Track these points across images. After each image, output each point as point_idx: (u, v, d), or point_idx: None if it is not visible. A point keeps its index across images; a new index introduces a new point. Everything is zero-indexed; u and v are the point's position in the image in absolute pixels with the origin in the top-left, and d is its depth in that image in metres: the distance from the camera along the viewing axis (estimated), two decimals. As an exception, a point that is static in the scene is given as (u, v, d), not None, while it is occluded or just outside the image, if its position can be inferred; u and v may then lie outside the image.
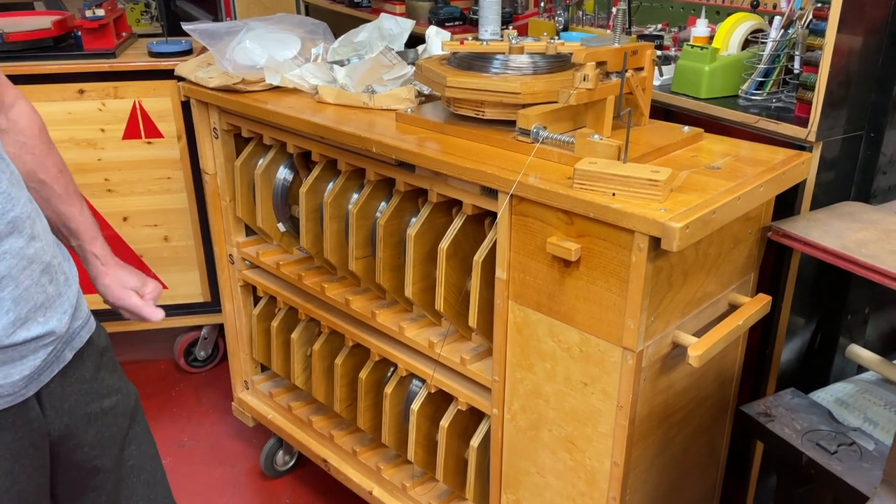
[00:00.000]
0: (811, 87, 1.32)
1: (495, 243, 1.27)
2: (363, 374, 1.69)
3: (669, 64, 1.63)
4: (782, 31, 1.47)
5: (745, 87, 1.52)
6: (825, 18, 1.28)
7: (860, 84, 1.35)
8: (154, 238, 2.36)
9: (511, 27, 2.08)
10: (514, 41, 1.34)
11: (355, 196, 1.57)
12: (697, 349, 1.15)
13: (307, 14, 3.24)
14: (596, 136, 1.20)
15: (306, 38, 1.79)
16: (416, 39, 1.79)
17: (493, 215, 1.26)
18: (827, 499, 1.22)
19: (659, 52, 1.65)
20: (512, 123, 1.30)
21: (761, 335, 1.49)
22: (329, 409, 1.87)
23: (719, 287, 1.31)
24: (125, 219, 2.32)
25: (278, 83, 1.67)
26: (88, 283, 1.18)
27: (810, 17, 1.42)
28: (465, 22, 2.51)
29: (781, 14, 1.48)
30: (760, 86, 1.50)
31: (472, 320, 1.37)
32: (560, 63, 1.36)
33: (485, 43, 1.37)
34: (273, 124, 1.62)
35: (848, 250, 1.22)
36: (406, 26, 1.75)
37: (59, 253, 1.03)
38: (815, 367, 1.55)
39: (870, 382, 1.35)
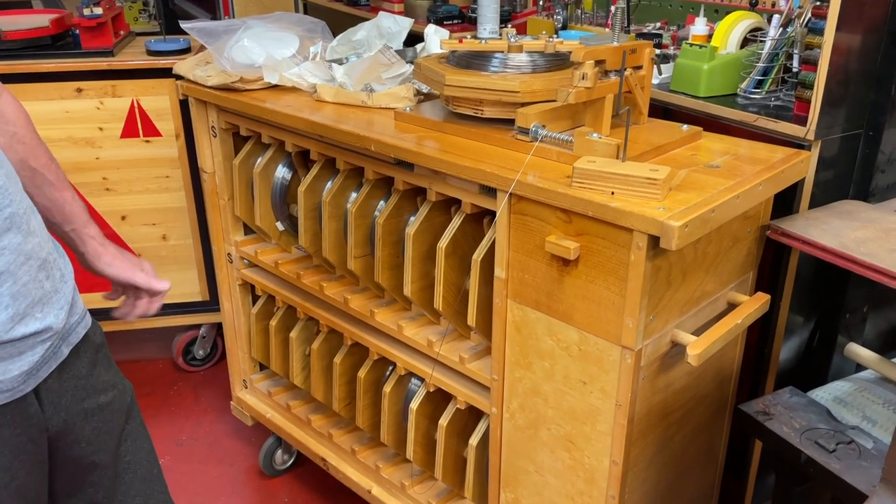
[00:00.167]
0: (810, 86, 1.32)
1: (494, 242, 1.27)
2: (362, 373, 1.69)
3: (668, 62, 1.63)
4: (781, 29, 1.47)
5: (743, 85, 1.52)
6: (824, 17, 1.28)
7: (859, 83, 1.35)
8: (152, 237, 2.35)
9: (510, 25, 2.07)
10: (512, 40, 1.34)
11: (354, 195, 1.57)
12: (696, 348, 1.15)
13: (305, 12, 3.23)
14: (595, 135, 1.20)
15: (305, 37, 1.79)
16: (414, 38, 1.79)
17: (492, 214, 1.26)
18: (825, 497, 1.22)
19: (658, 51, 1.65)
20: (511, 122, 1.30)
21: (760, 334, 1.49)
22: (328, 408, 1.87)
23: (718, 286, 1.31)
24: (123, 217, 2.31)
25: (277, 82, 1.67)
26: (84, 281, 1.18)
27: (809, 15, 1.42)
28: (464, 20, 2.51)
29: (780, 12, 1.48)
30: (759, 84, 1.50)
31: (471, 319, 1.37)
32: (559, 61, 1.36)
33: (483, 41, 1.36)
34: (271, 123, 1.62)
35: (847, 249, 1.22)
36: (405, 25, 1.75)
37: (55, 249, 1.03)
38: (814, 366, 1.55)
39: (868, 381, 1.35)
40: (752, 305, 1.31)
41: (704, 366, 1.31)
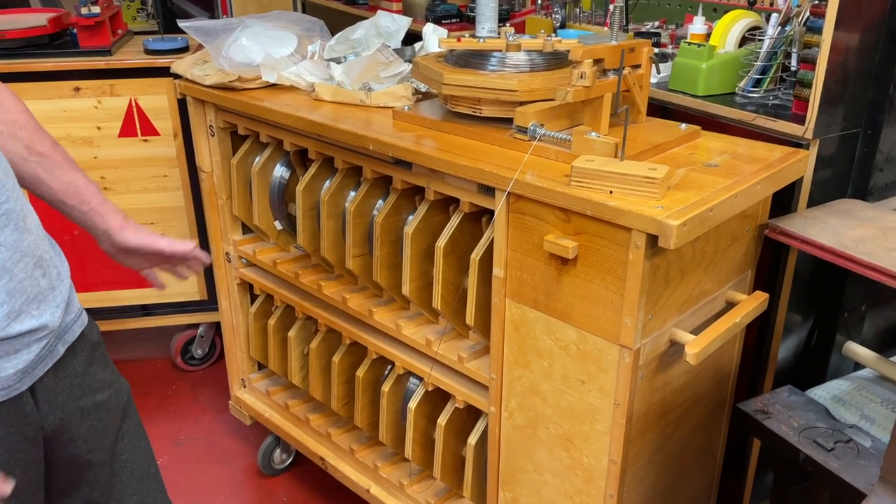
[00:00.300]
0: (808, 85, 1.32)
1: (492, 241, 1.27)
2: (360, 373, 1.68)
3: (667, 61, 1.63)
4: (779, 28, 1.47)
5: (742, 84, 1.52)
6: (822, 15, 1.28)
7: (857, 81, 1.35)
8: (150, 236, 2.35)
9: (508, 24, 2.07)
10: (511, 38, 1.34)
11: (352, 194, 1.57)
12: (695, 347, 1.15)
13: (304, 11, 3.23)
14: (593, 134, 1.20)
15: (303, 36, 1.79)
16: (412, 37, 1.79)
17: (491, 213, 1.26)
18: (824, 496, 1.22)
19: (656, 50, 1.65)
20: (509, 121, 1.29)
21: (758, 332, 1.49)
22: (326, 407, 1.86)
23: (716, 284, 1.31)
24: (121, 217, 2.31)
25: (275, 81, 1.67)
26: (83, 280, 1.18)
27: (807, 14, 1.42)
28: (462, 19, 2.50)
29: (779, 11, 1.48)
30: (757, 83, 1.50)
31: (470, 318, 1.37)
32: (557, 60, 1.36)
33: (482, 40, 1.36)
34: (269, 122, 1.62)
35: (845, 248, 1.22)
36: (403, 23, 1.75)
37: (51, 247, 1.03)
38: (812, 365, 1.55)
39: (866, 380, 1.35)
40: (751, 304, 1.31)
41: (703, 364, 1.31)
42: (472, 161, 1.24)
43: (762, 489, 1.62)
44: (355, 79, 1.58)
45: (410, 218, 1.45)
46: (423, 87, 1.58)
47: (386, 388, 1.63)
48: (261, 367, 2.12)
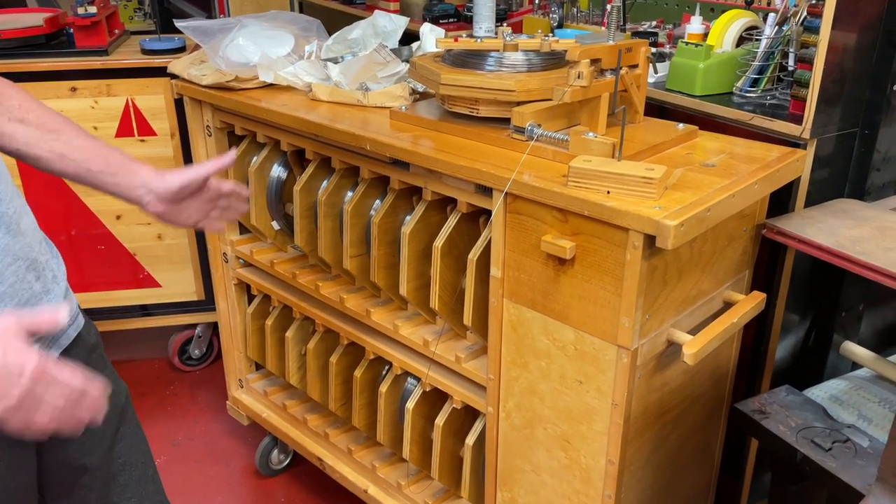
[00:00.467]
0: (805, 85, 1.32)
1: (490, 241, 1.27)
2: (358, 373, 1.68)
3: (664, 61, 1.63)
4: (777, 28, 1.47)
5: (739, 84, 1.52)
6: (819, 15, 1.28)
7: (854, 81, 1.35)
8: (148, 236, 2.35)
9: (505, 24, 2.07)
10: (508, 38, 1.34)
11: (349, 194, 1.57)
12: (692, 347, 1.15)
13: (301, 11, 3.23)
14: (590, 134, 1.20)
15: (300, 36, 1.78)
16: (410, 36, 1.79)
17: (488, 213, 1.26)
18: (821, 496, 1.22)
19: (653, 50, 1.65)
20: (506, 121, 1.29)
21: (756, 332, 1.49)
22: (324, 408, 1.86)
23: (714, 285, 1.31)
24: (118, 217, 2.31)
25: (272, 81, 1.67)
26: (81, 281, 1.17)
27: (804, 14, 1.42)
28: (460, 19, 2.50)
29: (776, 11, 1.48)
30: (755, 83, 1.50)
31: (467, 318, 1.37)
32: (554, 60, 1.36)
33: (479, 40, 1.36)
34: (266, 122, 1.62)
35: (842, 247, 1.22)
36: (400, 23, 1.75)
37: (47, 250, 1.02)
38: (810, 364, 1.55)
39: (864, 379, 1.35)
40: (748, 304, 1.31)
41: (700, 365, 1.31)
42: (469, 161, 1.24)
43: (760, 489, 1.62)
44: (352, 79, 1.57)
45: (408, 218, 1.45)
46: (420, 87, 1.58)
47: (384, 388, 1.63)
48: (258, 367, 2.12)
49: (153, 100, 2.19)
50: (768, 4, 1.64)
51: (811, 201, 1.39)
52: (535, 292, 1.23)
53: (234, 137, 1.80)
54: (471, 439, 1.49)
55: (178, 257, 2.39)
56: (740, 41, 1.54)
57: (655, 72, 1.61)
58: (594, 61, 1.23)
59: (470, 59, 1.36)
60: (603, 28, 1.87)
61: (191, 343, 2.61)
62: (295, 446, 1.97)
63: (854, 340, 1.45)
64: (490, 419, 1.40)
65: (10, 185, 0.95)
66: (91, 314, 1.13)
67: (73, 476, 1.10)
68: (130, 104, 2.18)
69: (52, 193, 2.23)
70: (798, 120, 1.34)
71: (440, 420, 1.52)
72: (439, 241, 1.36)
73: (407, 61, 1.58)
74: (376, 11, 1.78)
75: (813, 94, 1.30)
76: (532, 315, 1.24)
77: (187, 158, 2.22)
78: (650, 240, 1.05)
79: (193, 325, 2.57)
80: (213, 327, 2.57)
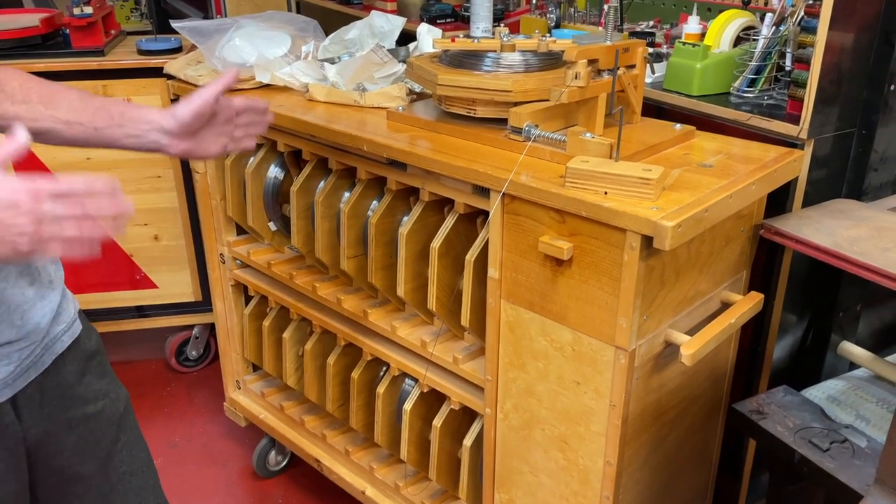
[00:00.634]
0: (803, 85, 1.32)
1: (487, 242, 1.27)
2: (355, 374, 1.68)
3: (661, 61, 1.63)
4: (774, 28, 1.46)
5: (736, 84, 1.51)
6: (817, 15, 1.28)
7: (852, 81, 1.35)
8: (144, 237, 2.34)
9: (503, 24, 2.07)
10: (505, 39, 1.33)
11: (346, 195, 1.56)
12: (690, 348, 1.15)
13: (298, 11, 3.22)
14: (588, 135, 1.20)
15: (296, 36, 1.78)
16: (407, 37, 1.78)
17: (486, 214, 1.26)
18: (819, 496, 1.22)
19: (651, 50, 1.65)
20: (504, 122, 1.29)
21: (753, 333, 1.49)
22: (321, 409, 1.86)
23: (711, 285, 1.30)
24: (115, 218, 2.30)
25: (268, 81, 1.66)
26: (78, 282, 1.16)
27: (802, 14, 1.42)
28: (457, 19, 2.50)
29: (773, 11, 1.48)
30: (752, 83, 1.50)
31: (465, 319, 1.37)
32: (552, 61, 1.36)
33: (476, 40, 1.36)
34: (263, 123, 1.61)
35: (840, 248, 1.22)
36: (397, 23, 1.74)
37: None
38: (807, 365, 1.55)
39: (862, 379, 1.35)
40: (746, 305, 1.31)
41: (698, 365, 1.31)
42: (466, 162, 1.23)
43: (758, 490, 1.62)
44: (349, 79, 1.57)
45: (405, 219, 1.44)
46: (417, 88, 1.58)
47: (381, 389, 1.62)
48: (255, 368, 2.12)
49: (149, 100, 2.18)
50: (765, 4, 1.64)
51: (809, 201, 1.39)
52: (532, 293, 1.22)
53: (231, 138, 1.79)
54: (468, 440, 1.49)
55: (175, 258, 2.38)
56: (737, 41, 1.54)
57: (653, 72, 1.61)
58: (591, 62, 1.23)
59: (467, 60, 1.36)
60: (600, 28, 1.86)
61: (188, 344, 2.60)
62: (292, 447, 1.97)
63: (852, 340, 1.45)
64: (488, 420, 1.40)
65: None
66: (87, 315, 1.12)
67: (66, 485, 1.08)
68: (127, 105, 2.17)
69: (48, 194, 2.23)
70: (795, 120, 1.34)
71: (438, 421, 1.52)
72: (437, 242, 1.36)
73: (404, 62, 1.58)
74: (373, 12, 1.78)
75: (810, 95, 1.30)
76: (530, 316, 1.24)
77: (184, 159, 2.21)
78: (648, 240, 1.04)
79: (190, 327, 2.57)
80: (211, 328, 2.57)
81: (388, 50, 1.62)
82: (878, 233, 1.27)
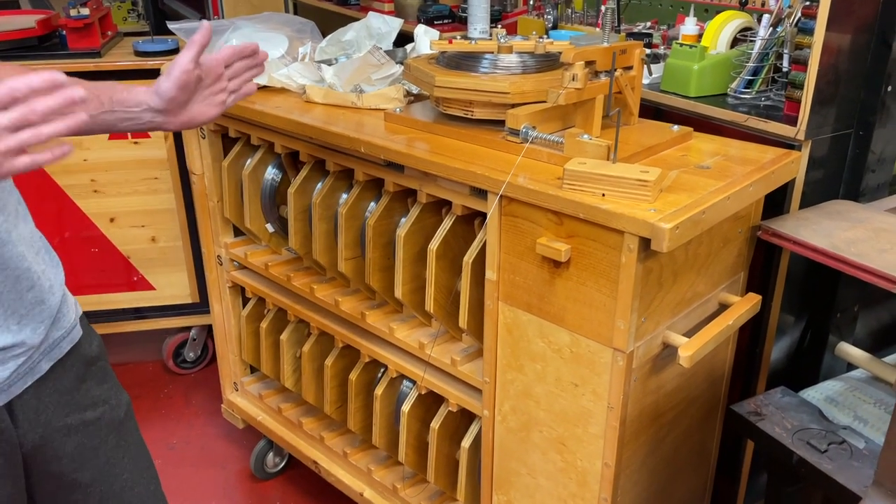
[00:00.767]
0: (800, 86, 1.32)
1: (485, 244, 1.26)
2: (353, 376, 1.68)
3: (658, 62, 1.63)
4: (771, 29, 1.46)
5: (734, 85, 1.51)
6: (814, 17, 1.28)
7: (849, 82, 1.35)
8: (141, 239, 2.34)
9: (500, 25, 2.07)
10: (502, 40, 1.33)
11: (344, 196, 1.56)
12: (688, 349, 1.15)
13: (295, 12, 3.22)
14: (585, 136, 1.19)
15: (294, 37, 1.78)
16: (404, 38, 1.78)
17: (483, 216, 1.25)
18: (817, 497, 1.22)
19: (648, 51, 1.65)
20: (501, 123, 1.29)
21: (751, 334, 1.49)
22: (319, 411, 1.86)
23: (709, 287, 1.30)
24: (112, 220, 2.30)
25: (265, 83, 1.66)
26: (72, 284, 1.15)
27: (799, 15, 1.42)
28: (454, 20, 2.50)
29: (770, 12, 1.48)
30: (749, 84, 1.50)
31: (463, 321, 1.36)
32: (549, 62, 1.36)
33: (473, 42, 1.36)
34: (260, 124, 1.61)
35: (837, 249, 1.22)
36: (394, 25, 1.74)
37: (45, 259, 1.00)
38: (805, 366, 1.55)
39: (859, 380, 1.35)
40: (744, 306, 1.31)
41: (696, 367, 1.31)
42: (464, 164, 1.23)
43: (756, 491, 1.62)
44: (346, 81, 1.57)
45: (403, 220, 1.44)
46: (414, 89, 1.58)
47: (379, 391, 1.62)
48: (253, 370, 2.11)
49: (147, 102, 2.18)
50: (762, 6, 1.64)
51: (806, 203, 1.39)
52: (530, 295, 1.22)
53: (228, 140, 1.79)
54: (466, 442, 1.49)
55: (173, 260, 2.38)
56: (735, 42, 1.54)
57: (650, 73, 1.61)
58: (589, 63, 1.22)
59: (464, 61, 1.36)
60: (597, 29, 1.86)
61: (185, 346, 2.60)
62: (290, 449, 1.97)
63: (849, 341, 1.45)
64: (486, 422, 1.39)
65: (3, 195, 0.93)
66: (94, 318, 1.10)
67: (64, 492, 1.07)
68: (124, 106, 2.17)
69: (45, 196, 2.23)
70: (793, 121, 1.34)
71: (436, 423, 1.52)
72: (434, 244, 1.36)
73: (401, 63, 1.58)
74: (370, 13, 1.78)
75: (807, 96, 1.30)
76: (527, 318, 1.24)
77: (181, 160, 2.21)
78: (645, 242, 1.04)
79: (188, 328, 2.56)
80: (208, 330, 2.56)
81: (385, 51, 1.61)
82: (876, 234, 1.27)
